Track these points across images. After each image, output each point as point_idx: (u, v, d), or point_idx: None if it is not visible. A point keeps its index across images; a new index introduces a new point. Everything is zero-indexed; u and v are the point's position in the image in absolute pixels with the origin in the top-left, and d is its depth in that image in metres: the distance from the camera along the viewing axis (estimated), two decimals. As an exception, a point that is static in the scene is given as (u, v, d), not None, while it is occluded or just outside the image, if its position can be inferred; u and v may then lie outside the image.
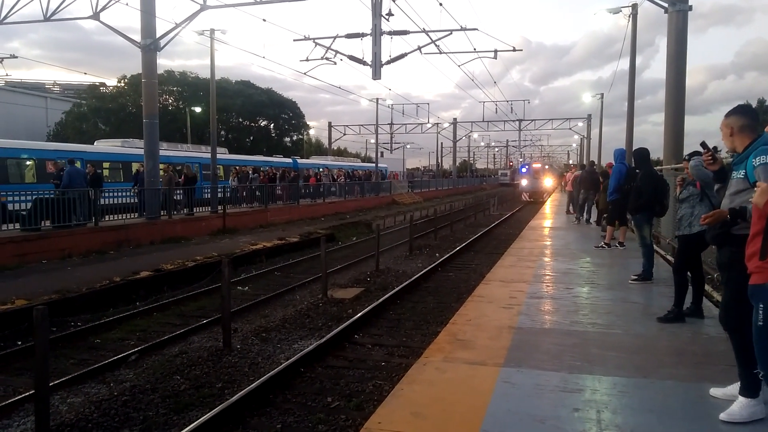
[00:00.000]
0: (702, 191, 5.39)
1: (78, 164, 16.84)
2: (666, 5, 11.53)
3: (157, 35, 17.27)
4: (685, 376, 4.16)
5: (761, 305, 3.03)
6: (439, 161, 79.72)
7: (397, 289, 11.27)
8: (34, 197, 13.95)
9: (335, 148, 62.53)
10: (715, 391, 3.72)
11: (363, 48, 17.92)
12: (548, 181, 44.37)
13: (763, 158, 3.29)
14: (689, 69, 11.73)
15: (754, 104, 60.15)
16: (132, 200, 17.90)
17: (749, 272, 3.02)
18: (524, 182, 45.67)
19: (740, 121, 3.61)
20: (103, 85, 51.55)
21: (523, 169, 47.78)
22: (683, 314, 5.64)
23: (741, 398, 3.43)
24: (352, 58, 18.57)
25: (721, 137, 3.78)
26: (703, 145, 4.10)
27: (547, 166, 49.83)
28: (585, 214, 16.92)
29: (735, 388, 3.57)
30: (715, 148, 4.36)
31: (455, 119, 63.33)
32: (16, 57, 28.65)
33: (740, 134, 3.60)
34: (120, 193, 17.73)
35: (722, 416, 3.41)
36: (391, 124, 57.35)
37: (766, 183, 3.00)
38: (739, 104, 3.77)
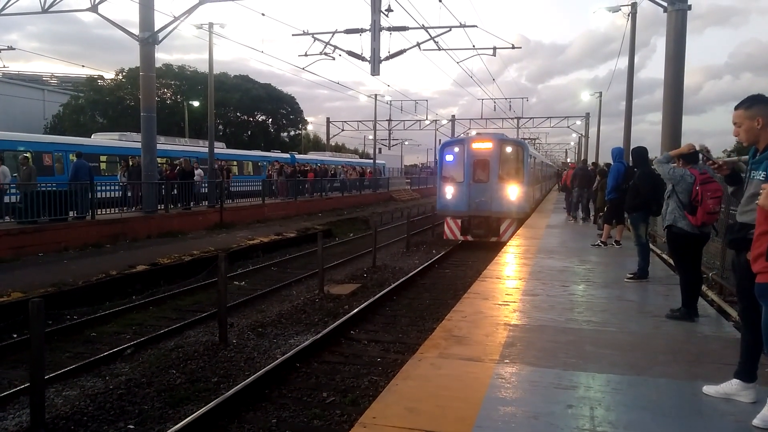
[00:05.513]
0: (672, 188, 5.39)
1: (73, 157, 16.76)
2: (665, 4, 11.53)
3: (156, 28, 17.19)
4: (678, 374, 4.17)
5: None
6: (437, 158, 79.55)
7: (393, 285, 11.30)
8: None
9: (333, 143, 62.41)
10: (708, 389, 3.73)
11: (362, 44, 17.89)
12: (513, 191, 17.40)
13: None
14: (686, 69, 11.74)
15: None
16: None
17: (755, 272, 2.87)
18: (448, 192, 18.09)
19: None
20: (101, 78, 51.32)
21: (448, 157, 18.50)
22: (691, 314, 5.54)
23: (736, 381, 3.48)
24: (350, 53, 18.54)
25: (734, 131, 3.33)
26: (703, 151, 3.99)
27: (509, 149, 17.91)
28: (580, 212, 16.92)
29: (728, 386, 3.57)
30: (706, 148, 4.32)
31: (453, 116, 63.14)
32: (14, 49, 28.54)
33: None
34: (115, 187, 17.71)
35: (755, 422, 3.12)
36: (390, 120, 57.18)
37: None
38: (761, 94, 3.26)
